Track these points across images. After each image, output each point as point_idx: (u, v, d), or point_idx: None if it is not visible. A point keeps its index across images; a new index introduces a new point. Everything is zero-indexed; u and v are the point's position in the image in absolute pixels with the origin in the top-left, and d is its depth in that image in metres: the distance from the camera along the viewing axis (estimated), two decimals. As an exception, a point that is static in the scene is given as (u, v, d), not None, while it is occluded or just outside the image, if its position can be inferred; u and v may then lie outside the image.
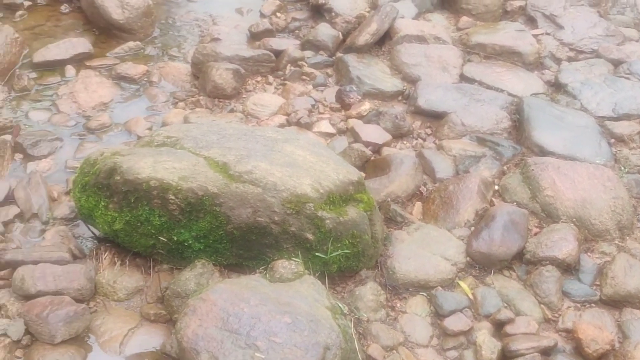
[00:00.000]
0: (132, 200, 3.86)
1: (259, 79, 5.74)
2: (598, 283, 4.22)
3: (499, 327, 3.92)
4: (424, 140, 5.22)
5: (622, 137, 5.26)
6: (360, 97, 5.50)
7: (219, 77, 5.42)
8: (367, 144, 4.98)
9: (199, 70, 5.65)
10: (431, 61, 5.89)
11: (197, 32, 6.43)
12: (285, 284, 3.64)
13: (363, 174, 4.54)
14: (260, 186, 3.78)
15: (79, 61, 5.80)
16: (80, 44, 5.90)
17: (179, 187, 3.78)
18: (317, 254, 3.86)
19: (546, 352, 3.74)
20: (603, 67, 6.04)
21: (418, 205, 4.65)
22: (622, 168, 4.98)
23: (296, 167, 3.94)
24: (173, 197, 3.78)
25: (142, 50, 6.08)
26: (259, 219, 3.77)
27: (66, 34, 6.16)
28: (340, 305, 3.75)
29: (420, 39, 6.09)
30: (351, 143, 5.02)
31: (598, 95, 5.60)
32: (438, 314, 3.98)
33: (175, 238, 3.88)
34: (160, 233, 3.88)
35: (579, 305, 4.13)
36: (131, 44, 6.06)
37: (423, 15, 6.65)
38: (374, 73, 5.74)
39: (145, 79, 5.71)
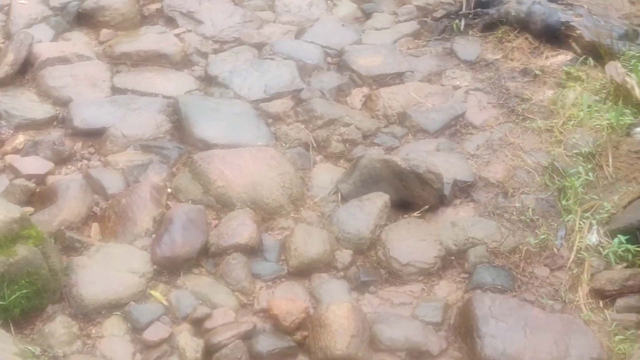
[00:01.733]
0: None
1: None
2: (283, 258, 4.36)
3: (198, 325, 3.93)
4: (89, 160, 5.08)
5: (278, 115, 5.47)
6: (12, 132, 5.22)
7: None
8: (29, 177, 4.75)
9: None
10: (78, 80, 5.73)
11: None
12: (-36, 344, 3.41)
13: (30, 209, 4.38)
14: None
15: None
16: None
17: None
18: (-6, 302, 3.65)
19: (247, 336, 3.81)
20: (248, 53, 6.23)
21: (95, 227, 4.52)
22: (284, 144, 5.18)
23: (-52, 219, 3.68)
24: None
25: None
26: None
27: None
28: (30, 348, 3.59)
29: (63, 60, 5.90)
30: (12, 180, 4.76)
31: (247, 80, 5.77)
32: (136, 329, 3.90)
33: None
34: None
35: (270, 283, 4.25)
36: None
37: (62, 35, 6.41)
38: (22, 103, 5.47)
39: None
